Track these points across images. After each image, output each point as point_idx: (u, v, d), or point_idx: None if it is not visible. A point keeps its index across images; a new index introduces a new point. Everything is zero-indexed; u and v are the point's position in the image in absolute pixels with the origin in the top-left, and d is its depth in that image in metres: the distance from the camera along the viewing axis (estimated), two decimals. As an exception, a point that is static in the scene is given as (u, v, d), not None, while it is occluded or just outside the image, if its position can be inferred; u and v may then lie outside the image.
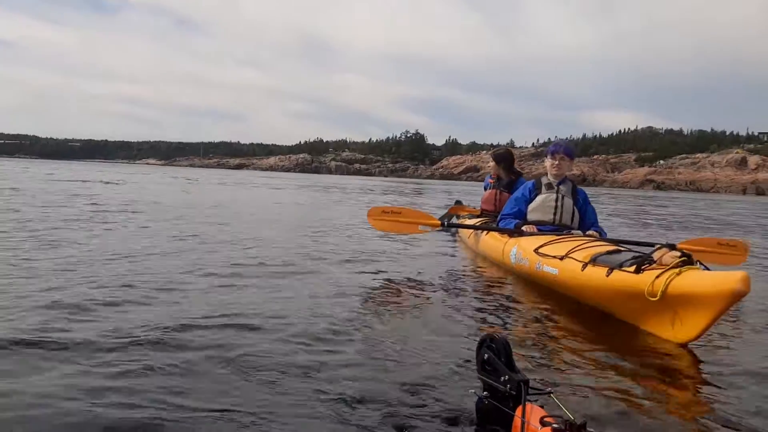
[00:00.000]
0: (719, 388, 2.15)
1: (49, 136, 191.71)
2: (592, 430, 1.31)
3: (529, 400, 1.43)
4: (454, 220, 7.02)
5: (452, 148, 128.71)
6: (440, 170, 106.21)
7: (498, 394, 1.51)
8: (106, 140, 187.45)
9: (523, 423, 1.40)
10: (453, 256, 5.54)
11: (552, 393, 1.48)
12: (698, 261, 2.74)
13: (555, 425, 1.33)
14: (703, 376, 2.32)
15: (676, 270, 2.61)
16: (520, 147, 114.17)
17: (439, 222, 4.94)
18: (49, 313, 2.56)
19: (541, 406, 1.44)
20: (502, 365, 1.50)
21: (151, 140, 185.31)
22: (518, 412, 1.43)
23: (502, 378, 1.49)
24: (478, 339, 2.48)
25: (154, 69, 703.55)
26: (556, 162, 4.47)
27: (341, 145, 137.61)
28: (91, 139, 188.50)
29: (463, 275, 4.43)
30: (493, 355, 1.53)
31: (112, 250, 4.38)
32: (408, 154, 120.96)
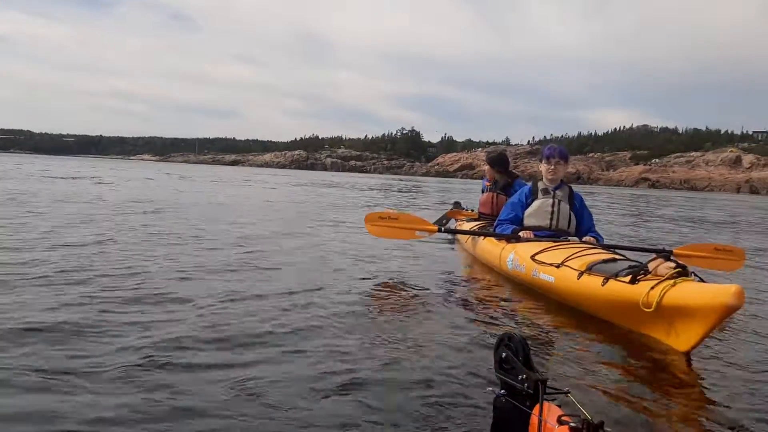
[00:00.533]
0: (734, 389, 2.17)
1: (43, 132, 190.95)
2: (609, 429, 1.32)
3: (546, 399, 1.45)
4: (452, 223, 7.01)
5: (448, 145, 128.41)
6: (436, 167, 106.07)
7: (515, 393, 1.53)
8: (101, 135, 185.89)
9: (540, 421, 1.42)
10: (453, 260, 5.53)
11: (569, 392, 1.50)
12: (693, 272, 2.77)
13: (572, 424, 1.35)
14: (718, 377, 2.34)
15: (671, 281, 2.63)
16: (516, 144, 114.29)
17: (437, 228, 4.91)
18: (55, 328, 2.45)
19: (559, 406, 1.46)
20: (520, 364, 1.52)
21: (146, 136, 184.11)
22: (535, 410, 1.45)
23: (520, 377, 1.51)
24: (488, 341, 2.52)
25: (149, 64, 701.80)
26: (552, 167, 4.43)
27: (336, 142, 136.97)
28: (85, 135, 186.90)
29: (465, 281, 4.44)
30: (511, 354, 1.55)
31: (115, 258, 4.20)
32: (404, 151, 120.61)
